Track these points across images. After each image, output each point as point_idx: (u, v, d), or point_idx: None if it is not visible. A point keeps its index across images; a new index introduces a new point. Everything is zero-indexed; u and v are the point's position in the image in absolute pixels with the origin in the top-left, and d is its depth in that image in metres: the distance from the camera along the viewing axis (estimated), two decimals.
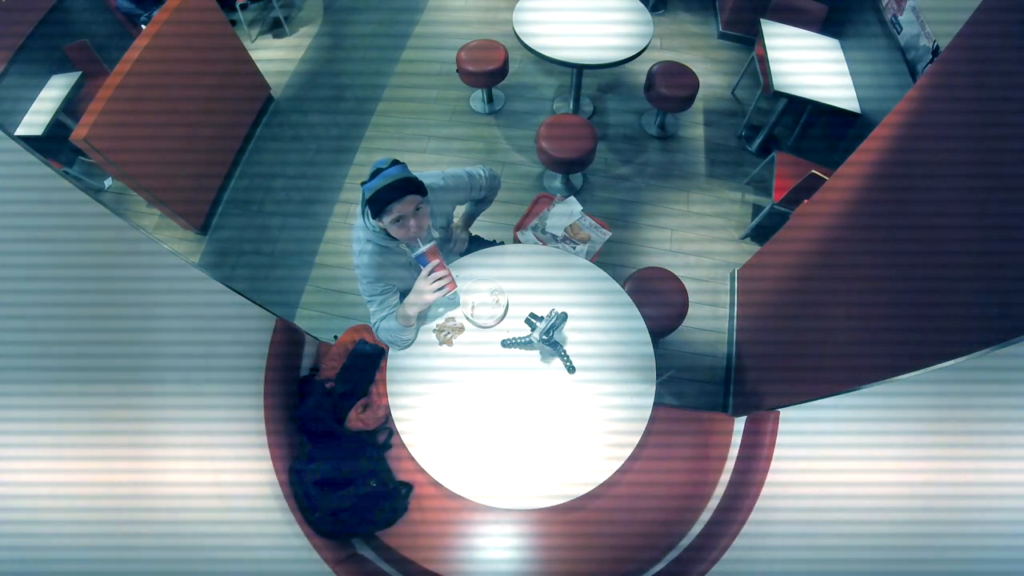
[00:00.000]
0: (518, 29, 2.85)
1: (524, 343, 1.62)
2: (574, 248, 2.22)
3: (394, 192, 1.35)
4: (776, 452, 1.55)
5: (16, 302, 0.86)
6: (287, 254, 3.09)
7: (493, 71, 3.14)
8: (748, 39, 3.75)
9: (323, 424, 1.74)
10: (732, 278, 2.82)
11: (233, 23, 3.63)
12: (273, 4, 4.12)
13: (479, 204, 1.88)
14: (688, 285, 2.26)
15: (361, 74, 3.87)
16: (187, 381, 1.30)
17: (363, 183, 1.40)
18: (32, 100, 3.23)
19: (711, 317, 2.74)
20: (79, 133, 2.37)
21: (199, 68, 3.00)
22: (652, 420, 1.54)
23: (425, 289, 1.52)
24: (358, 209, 1.55)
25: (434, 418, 1.59)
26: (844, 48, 2.99)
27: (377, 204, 1.36)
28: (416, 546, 1.73)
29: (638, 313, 1.70)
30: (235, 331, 1.65)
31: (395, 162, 1.41)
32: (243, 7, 3.93)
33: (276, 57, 3.99)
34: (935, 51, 2.28)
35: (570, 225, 2.28)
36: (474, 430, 1.56)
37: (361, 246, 1.54)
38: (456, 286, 1.57)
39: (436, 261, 1.51)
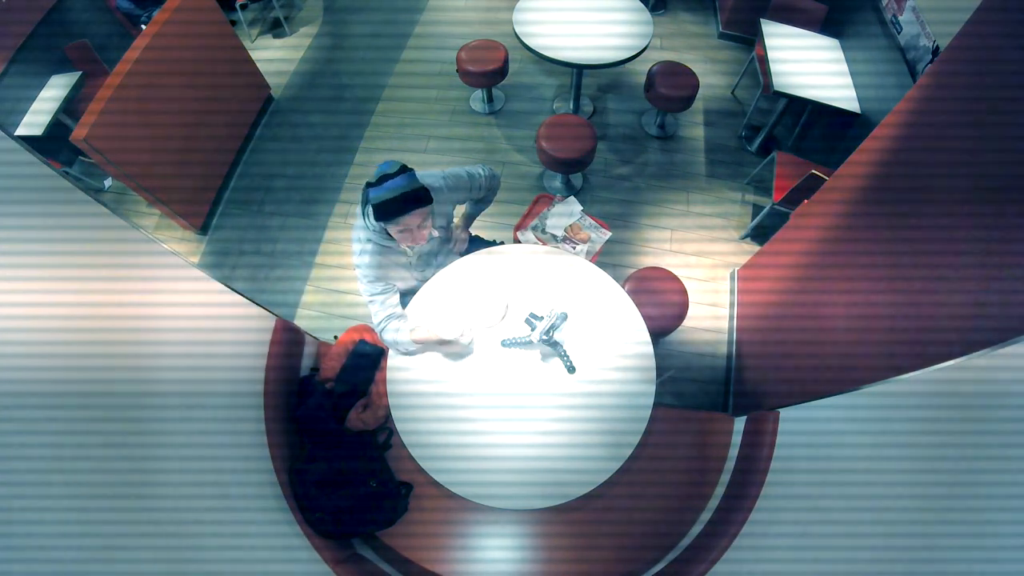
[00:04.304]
0: (518, 29, 2.85)
1: (524, 343, 1.62)
2: (574, 248, 2.22)
3: (405, 206, 1.35)
4: (776, 452, 1.55)
5: (16, 302, 0.86)
6: (287, 254, 3.08)
7: (493, 71, 3.14)
8: (748, 39, 3.75)
9: (323, 424, 1.74)
10: (732, 278, 2.82)
11: (233, 23, 3.63)
12: (273, 4, 4.12)
13: (479, 204, 1.88)
14: (688, 285, 2.26)
15: (361, 74, 3.87)
16: (187, 381, 1.30)
17: (368, 184, 1.38)
18: (32, 100, 3.23)
19: (711, 317, 2.74)
20: (79, 133, 2.37)
21: (199, 68, 3.00)
22: (652, 420, 1.54)
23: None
24: (358, 209, 1.55)
25: (434, 418, 1.59)
26: (844, 48, 2.99)
27: (386, 214, 1.36)
28: (416, 546, 1.73)
29: (638, 313, 1.70)
30: (235, 331, 1.65)
31: (403, 168, 1.38)
32: (243, 7, 3.93)
33: (276, 57, 3.99)
34: (935, 51, 2.28)
35: (570, 225, 2.28)
36: (474, 430, 1.56)
37: (362, 246, 1.54)
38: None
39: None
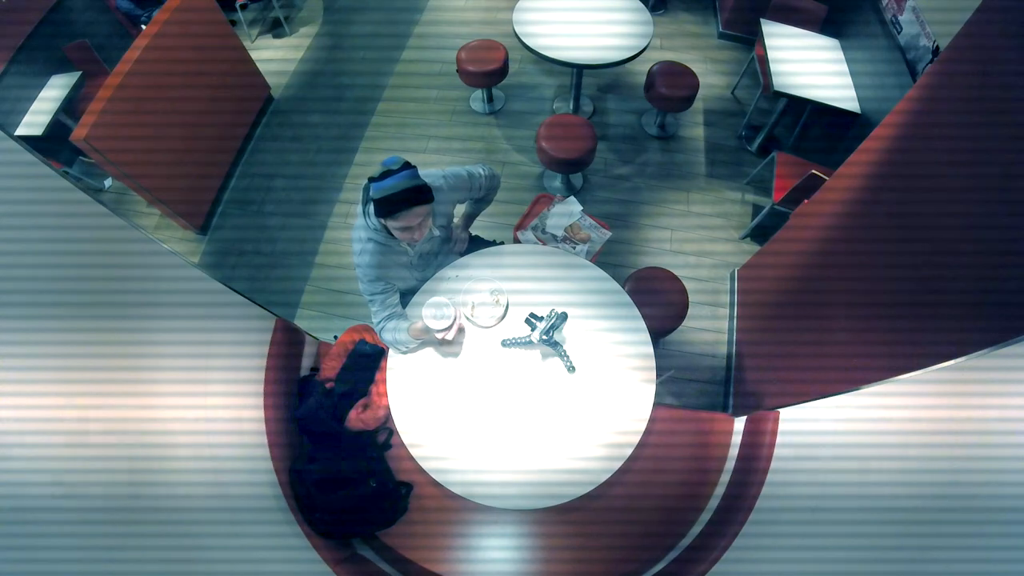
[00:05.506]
0: (518, 29, 2.85)
1: (524, 343, 1.62)
2: (574, 248, 2.22)
3: (407, 202, 1.34)
4: (776, 452, 1.55)
5: (16, 302, 0.86)
6: (287, 254, 3.08)
7: (493, 71, 3.14)
8: (748, 39, 3.75)
9: (323, 424, 1.74)
10: (732, 278, 2.82)
11: (233, 23, 3.62)
12: (273, 4, 4.12)
13: (479, 203, 1.88)
14: (688, 285, 2.26)
15: (361, 74, 3.87)
16: (187, 382, 1.30)
17: (371, 179, 1.38)
18: (32, 100, 3.23)
19: (711, 317, 2.74)
20: (79, 133, 2.37)
21: (199, 68, 3.00)
22: (652, 420, 1.54)
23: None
24: (359, 208, 1.55)
25: (434, 418, 1.59)
26: (844, 48, 2.99)
27: (385, 208, 1.35)
28: (416, 546, 1.73)
29: (638, 313, 1.70)
30: (235, 331, 1.65)
31: (406, 164, 1.39)
32: (243, 7, 3.93)
33: (276, 57, 3.99)
34: (935, 51, 2.28)
35: (570, 225, 2.28)
36: (474, 430, 1.56)
37: (362, 245, 1.54)
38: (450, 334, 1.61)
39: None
